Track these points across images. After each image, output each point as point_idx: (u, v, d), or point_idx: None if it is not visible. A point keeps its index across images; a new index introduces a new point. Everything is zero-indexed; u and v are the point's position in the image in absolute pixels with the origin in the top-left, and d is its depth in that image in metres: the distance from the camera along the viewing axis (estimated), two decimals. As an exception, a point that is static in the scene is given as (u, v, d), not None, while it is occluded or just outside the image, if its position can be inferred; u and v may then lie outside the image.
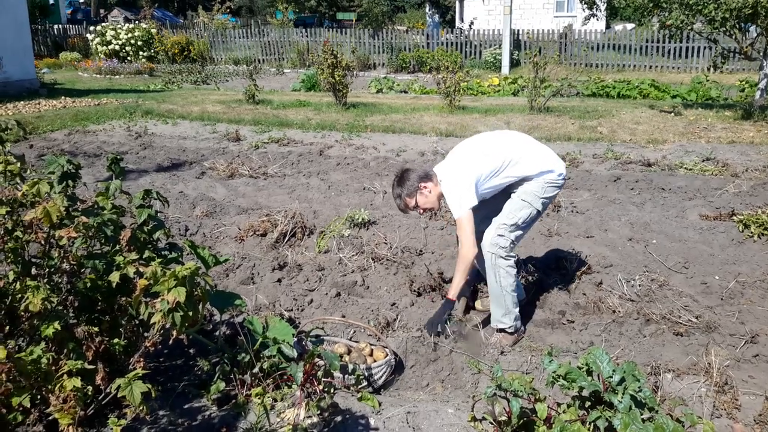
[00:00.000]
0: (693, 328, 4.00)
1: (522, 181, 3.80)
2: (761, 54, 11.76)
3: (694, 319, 4.09)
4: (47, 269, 2.68)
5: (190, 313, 2.26)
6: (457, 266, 3.79)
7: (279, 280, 4.67)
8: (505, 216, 3.78)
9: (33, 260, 2.73)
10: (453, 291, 3.81)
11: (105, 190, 2.89)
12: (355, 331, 3.99)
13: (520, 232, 3.82)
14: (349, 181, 7.66)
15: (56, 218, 2.36)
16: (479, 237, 3.84)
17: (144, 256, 2.80)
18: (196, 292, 2.32)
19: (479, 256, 3.84)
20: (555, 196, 3.95)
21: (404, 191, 3.81)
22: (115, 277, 2.46)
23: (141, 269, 2.47)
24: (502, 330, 3.91)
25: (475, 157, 3.75)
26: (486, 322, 4.10)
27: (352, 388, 3.21)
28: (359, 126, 11.13)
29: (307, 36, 24.14)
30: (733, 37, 11.76)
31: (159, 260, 2.47)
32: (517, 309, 3.89)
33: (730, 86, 15.84)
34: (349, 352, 3.53)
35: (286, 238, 5.43)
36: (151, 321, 2.26)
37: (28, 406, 2.21)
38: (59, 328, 2.30)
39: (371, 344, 3.62)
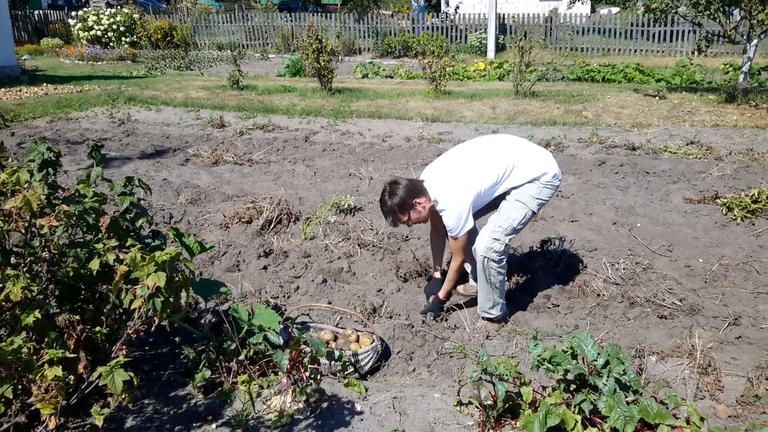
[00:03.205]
0: (677, 311, 4.03)
1: (517, 185, 3.75)
2: (744, 37, 11.80)
3: (678, 302, 4.12)
4: (28, 258, 2.65)
5: (171, 299, 2.24)
6: (449, 275, 3.87)
7: (265, 268, 4.66)
8: (500, 219, 3.72)
9: (14, 249, 2.70)
10: (444, 293, 3.92)
11: (86, 178, 2.85)
12: (341, 318, 3.98)
13: (514, 235, 3.77)
14: (334, 167, 7.63)
15: (36, 206, 2.32)
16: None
17: (127, 244, 2.77)
18: (177, 278, 2.30)
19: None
20: (551, 197, 3.87)
21: (397, 208, 3.63)
22: (95, 264, 2.43)
23: (121, 256, 2.44)
24: (488, 319, 3.93)
25: (471, 174, 3.63)
26: (468, 305, 4.12)
27: (338, 374, 3.21)
28: (345, 112, 11.08)
29: (291, 21, 23.89)
30: (717, 20, 11.78)
31: (140, 246, 2.44)
32: (504, 299, 3.90)
33: (714, 70, 15.90)
34: (335, 339, 3.53)
35: (272, 225, 5.41)
36: (132, 307, 2.24)
37: (11, 396, 2.18)
38: (39, 316, 2.28)
39: (358, 330, 3.62)
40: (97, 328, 2.57)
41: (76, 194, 2.92)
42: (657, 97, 12.07)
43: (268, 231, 5.35)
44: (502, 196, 3.80)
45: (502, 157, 3.70)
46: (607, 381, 2.31)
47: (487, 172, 3.64)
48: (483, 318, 3.95)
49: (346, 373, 3.23)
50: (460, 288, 4.41)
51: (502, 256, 3.73)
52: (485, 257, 3.69)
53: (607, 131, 9.41)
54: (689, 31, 19.59)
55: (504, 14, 23.13)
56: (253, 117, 10.74)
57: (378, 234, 5.15)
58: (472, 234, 3.80)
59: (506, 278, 3.91)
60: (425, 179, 3.76)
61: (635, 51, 20.68)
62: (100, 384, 2.14)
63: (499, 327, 3.93)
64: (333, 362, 3.20)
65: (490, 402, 2.58)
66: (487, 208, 3.90)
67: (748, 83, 12.10)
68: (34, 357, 2.19)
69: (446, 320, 4.01)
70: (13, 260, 2.65)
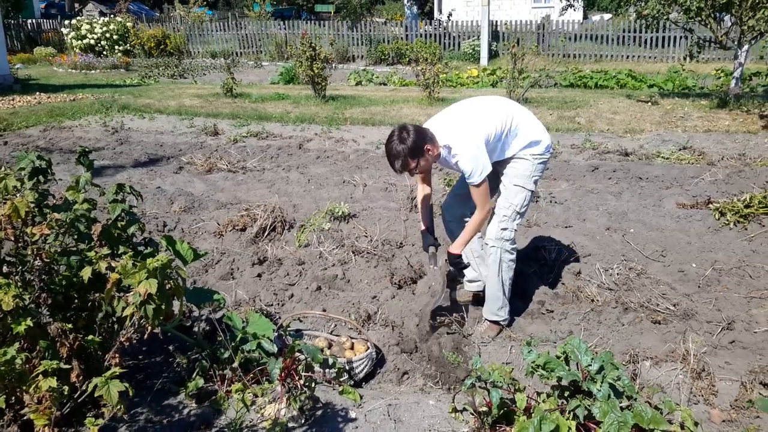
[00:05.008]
0: (670, 316, 4.04)
1: (511, 158, 3.75)
2: (736, 43, 11.88)
3: (672, 307, 4.13)
4: (20, 267, 2.64)
5: (163, 306, 2.23)
6: (471, 225, 3.71)
7: (259, 275, 4.64)
8: (503, 207, 3.76)
9: (6, 258, 2.69)
10: (458, 247, 3.76)
11: (75, 184, 2.84)
12: (336, 325, 3.98)
13: (520, 219, 3.83)
14: (329, 174, 7.63)
15: (24, 213, 2.31)
16: (456, 220, 3.96)
17: (119, 252, 2.76)
18: (168, 284, 2.29)
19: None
20: (544, 171, 3.89)
21: (408, 152, 3.44)
22: (86, 272, 2.42)
23: (113, 264, 2.43)
24: (494, 322, 3.93)
25: (478, 120, 3.58)
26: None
27: (333, 381, 3.20)
28: (339, 119, 11.09)
29: (285, 28, 23.93)
30: (708, 26, 11.86)
31: (131, 254, 2.44)
32: (508, 301, 3.92)
33: (706, 75, 15.99)
34: (330, 346, 3.52)
35: (266, 233, 5.40)
36: (124, 314, 2.23)
37: (4, 407, 2.17)
38: (31, 325, 2.26)
39: (352, 338, 3.61)
40: (90, 337, 2.56)
41: (67, 202, 2.91)
42: (649, 103, 12.12)
43: (262, 238, 5.34)
44: (499, 179, 3.82)
45: (504, 110, 3.69)
46: (601, 387, 2.31)
47: (492, 120, 3.60)
48: (488, 321, 3.94)
49: (340, 380, 3.22)
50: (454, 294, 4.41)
51: (514, 244, 3.81)
52: (498, 248, 3.74)
53: (599, 137, 9.44)
54: (681, 37, 19.71)
55: (496, 21, 23.21)
56: (247, 125, 10.74)
57: (372, 241, 5.15)
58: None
59: (513, 278, 3.93)
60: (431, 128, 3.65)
61: (627, 57, 20.78)
62: (95, 395, 2.12)
63: (498, 332, 3.93)
64: (327, 370, 3.19)
65: (484, 408, 2.57)
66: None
67: (739, 89, 12.17)
68: (27, 367, 2.17)
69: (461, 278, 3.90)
70: (4, 269, 2.64)
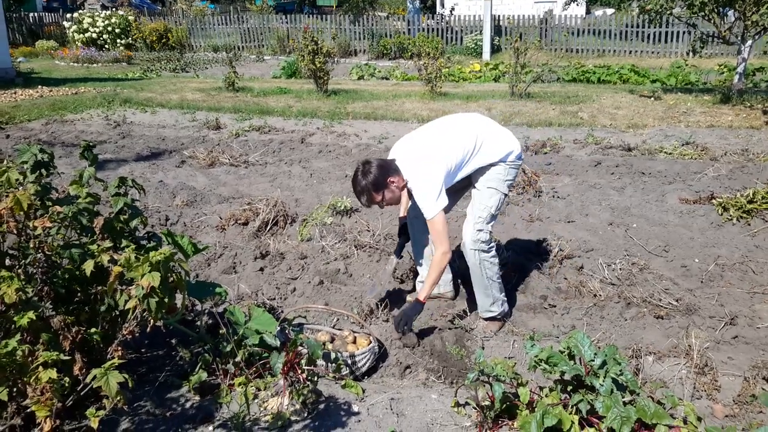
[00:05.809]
0: (673, 311, 4.03)
1: (484, 168, 3.75)
2: (739, 38, 11.83)
3: (675, 302, 4.12)
4: (22, 260, 2.64)
5: (166, 299, 2.23)
6: (432, 268, 3.60)
7: (261, 269, 4.65)
8: (478, 209, 3.74)
9: (9, 251, 2.68)
10: (425, 293, 3.63)
11: (78, 178, 2.84)
12: (338, 319, 3.98)
13: (494, 221, 3.80)
14: (331, 168, 7.62)
15: (26, 206, 2.30)
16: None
17: (121, 246, 2.76)
18: (171, 278, 2.29)
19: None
20: (516, 176, 3.93)
21: (371, 187, 3.54)
22: (88, 265, 2.42)
23: (116, 257, 2.43)
24: (491, 318, 3.92)
25: (440, 151, 3.57)
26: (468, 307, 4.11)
27: (335, 375, 3.20)
28: (341, 113, 11.07)
29: (287, 22, 23.89)
30: (712, 21, 11.81)
31: (133, 247, 2.43)
32: (504, 294, 3.90)
33: (709, 71, 15.94)
34: (332, 340, 3.52)
35: (268, 227, 5.40)
36: (126, 307, 2.22)
37: (6, 399, 2.17)
38: (34, 318, 2.26)
39: (354, 332, 3.61)
40: (93, 330, 2.55)
41: (70, 195, 2.90)
42: (652, 98, 12.09)
43: (265, 233, 5.34)
44: (471, 184, 3.83)
45: (470, 134, 3.66)
46: (604, 381, 2.31)
47: (456, 149, 3.59)
48: (484, 318, 3.93)
49: (343, 374, 3.22)
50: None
51: (491, 245, 3.78)
52: (475, 250, 3.71)
53: (602, 132, 9.42)
54: (684, 33, 19.65)
55: (499, 16, 23.14)
56: (249, 119, 10.73)
57: (374, 235, 5.15)
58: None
59: (500, 271, 3.90)
60: (396, 158, 3.69)
61: (630, 52, 20.73)
62: (94, 386, 2.12)
63: (500, 326, 3.92)
64: (330, 364, 3.19)
65: (487, 403, 2.57)
66: (453, 198, 3.88)
67: (743, 84, 12.12)
68: (29, 359, 2.17)
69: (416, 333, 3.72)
70: (7, 262, 2.63)
